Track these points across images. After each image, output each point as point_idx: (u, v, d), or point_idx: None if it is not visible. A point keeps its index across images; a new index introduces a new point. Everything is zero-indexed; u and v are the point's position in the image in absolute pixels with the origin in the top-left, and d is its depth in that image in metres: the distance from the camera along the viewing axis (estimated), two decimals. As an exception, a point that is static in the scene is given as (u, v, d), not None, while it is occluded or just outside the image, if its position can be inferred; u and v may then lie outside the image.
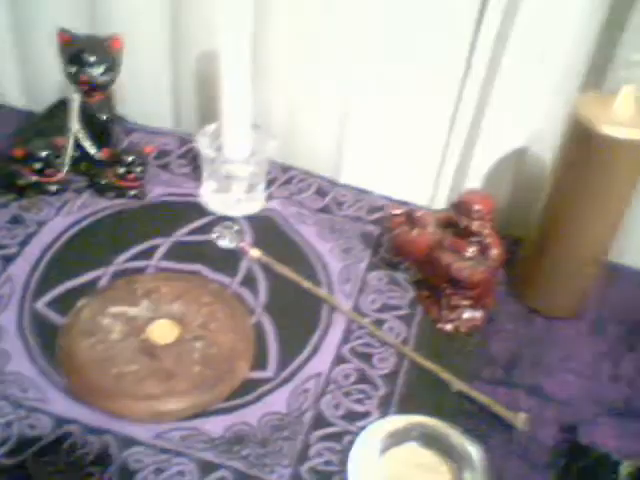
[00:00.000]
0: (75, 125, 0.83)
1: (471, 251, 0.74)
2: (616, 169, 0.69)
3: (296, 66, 0.89)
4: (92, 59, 0.79)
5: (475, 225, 0.73)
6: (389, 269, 0.83)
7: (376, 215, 0.90)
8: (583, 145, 0.70)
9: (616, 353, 0.78)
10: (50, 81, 0.96)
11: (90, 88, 0.81)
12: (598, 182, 0.71)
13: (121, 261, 0.79)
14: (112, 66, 0.81)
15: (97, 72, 0.80)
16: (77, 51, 0.80)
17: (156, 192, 0.89)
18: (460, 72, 0.84)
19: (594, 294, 0.81)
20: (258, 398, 0.68)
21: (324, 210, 0.90)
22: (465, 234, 0.74)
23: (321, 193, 0.93)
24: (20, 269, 0.77)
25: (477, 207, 0.72)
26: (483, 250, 0.74)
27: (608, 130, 0.67)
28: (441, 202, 0.93)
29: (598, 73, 0.78)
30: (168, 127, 0.99)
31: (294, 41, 0.88)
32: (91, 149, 0.84)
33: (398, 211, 0.79)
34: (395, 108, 0.89)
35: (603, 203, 0.72)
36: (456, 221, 0.74)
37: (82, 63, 0.79)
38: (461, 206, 0.74)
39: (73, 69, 0.80)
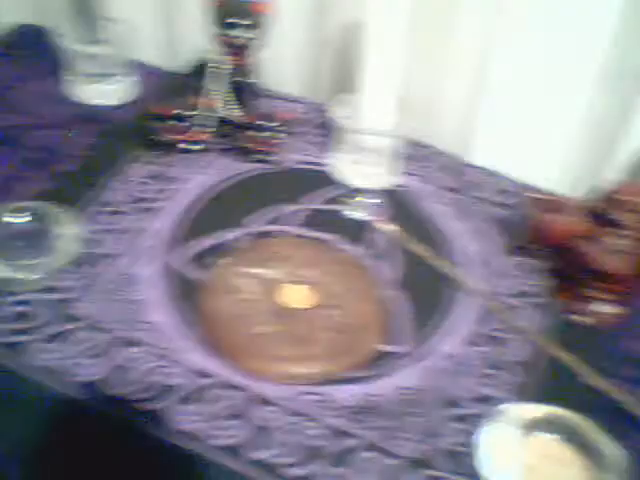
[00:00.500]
0: (218, 87, 0.84)
1: (618, 243, 0.71)
2: None
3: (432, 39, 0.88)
4: (241, 22, 0.79)
5: (626, 218, 0.70)
6: (524, 255, 0.81)
7: (509, 198, 0.88)
8: None
9: None
10: (189, 41, 0.98)
11: (236, 51, 0.82)
12: None
13: (255, 224, 0.80)
14: (260, 30, 0.81)
15: (245, 35, 0.80)
16: (227, 13, 0.80)
17: (290, 159, 0.89)
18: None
19: None
20: (390, 372, 0.68)
21: (456, 190, 0.88)
22: (613, 226, 0.71)
23: (453, 172, 0.91)
24: (162, 224, 0.78)
25: (630, 199, 0.70)
26: (631, 243, 0.71)
27: None
28: (575, 189, 0.90)
29: None
30: (302, 95, 0.99)
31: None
32: (232, 111, 0.85)
33: (540, 196, 0.77)
34: (532, 85, 0.86)
35: None
36: (603, 211, 0.72)
37: (231, 25, 0.80)
38: (612, 197, 0.71)
39: (222, 30, 0.80)
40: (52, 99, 0.92)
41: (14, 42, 1.02)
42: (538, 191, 0.81)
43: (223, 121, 0.86)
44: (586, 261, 0.72)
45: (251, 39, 0.81)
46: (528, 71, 0.85)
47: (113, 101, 0.93)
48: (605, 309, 0.75)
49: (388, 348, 0.70)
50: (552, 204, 0.76)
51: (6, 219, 0.72)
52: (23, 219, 0.73)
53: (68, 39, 0.91)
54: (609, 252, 0.71)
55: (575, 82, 0.84)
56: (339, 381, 0.66)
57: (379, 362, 0.68)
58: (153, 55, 1.02)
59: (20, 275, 0.69)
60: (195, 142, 0.86)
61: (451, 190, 0.88)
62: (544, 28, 0.81)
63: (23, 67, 0.97)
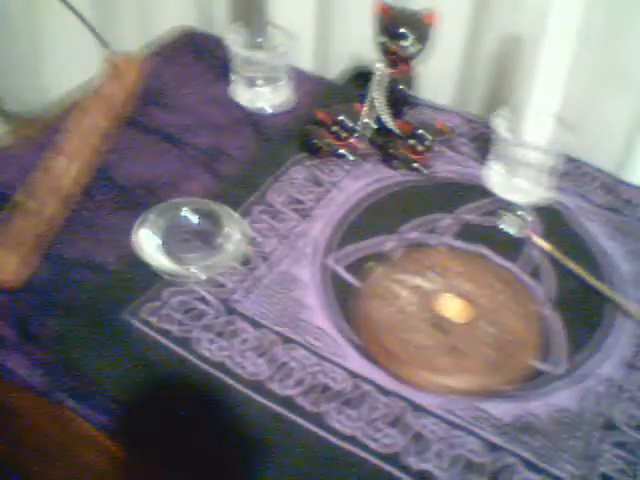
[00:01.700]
0: (375, 94, 0.86)
1: None
2: None
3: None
4: (405, 32, 0.81)
5: None
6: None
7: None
8: None
9: None
10: (346, 50, 1.00)
11: (400, 61, 0.83)
12: None
13: (406, 231, 0.81)
14: (422, 41, 0.82)
15: (407, 45, 0.81)
16: (392, 22, 0.81)
17: (441, 168, 0.89)
18: None
19: None
20: (546, 392, 0.67)
21: (610, 208, 0.87)
22: None
23: (607, 190, 0.89)
24: (318, 227, 0.81)
25: None
26: None
27: None
28: None
29: None
30: (457, 107, 0.99)
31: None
32: (387, 119, 0.86)
33: None
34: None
35: None
36: None
37: (395, 35, 0.81)
38: None
39: (385, 39, 0.82)
40: (216, 102, 0.97)
41: (178, 45, 1.07)
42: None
43: (381, 130, 0.87)
44: None
45: (415, 50, 0.82)
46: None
47: (273, 105, 0.97)
48: None
49: (544, 367, 0.69)
50: None
51: (180, 216, 0.77)
52: (196, 217, 0.77)
53: (232, 43, 0.95)
54: None
55: None
56: (494, 396, 0.67)
57: (534, 380, 0.68)
58: (311, 62, 1.05)
59: (190, 272, 0.73)
60: (354, 149, 0.88)
61: (607, 209, 0.86)
62: None
63: (187, 70, 1.02)
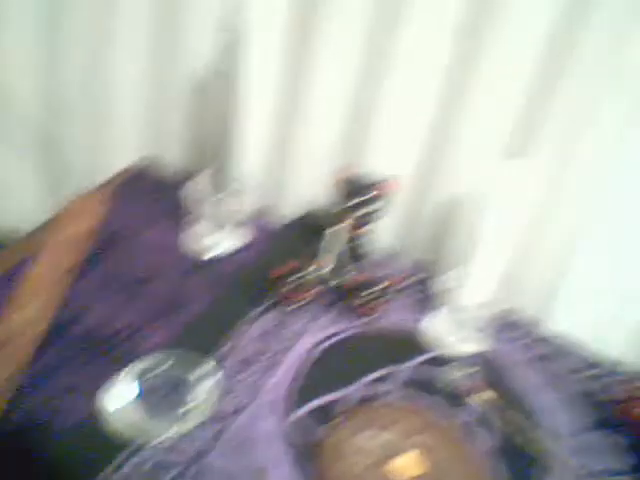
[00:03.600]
0: (333, 250, 0.92)
1: None
2: None
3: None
4: (365, 198, 0.89)
5: None
6: (609, 430, 0.86)
7: (590, 370, 0.95)
8: None
9: None
10: (298, 191, 1.07)
11: (357, 222, 0.91)
12: None
13: (361, 384, 0.86)
14: (380, 205, 0.90)
15: (366, 210, 0.89)
16: (353, 189, 0.89)
17: (392, 319, 0.96)
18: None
19: None
20: None
21: (542, 358, 0.95)
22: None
23: (538, 340, 0.98)
24: (277, 378, 0.85)
25: None
26: None
27: None
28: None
29: None
30: (406, 255, 1.08)
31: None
32: (344, 273, 0.93)
33: (629, 384, 0.84)
34: (611, 265, 0.94)
35: None
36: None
37: (355, 200, 0.89)
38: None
39: (346, 204, 0.90)
40: (174, 247, 1.01)
41: (134, 188, 1.11)
42: (628, 375, 0.88)
43: (336, 282, 0.94)
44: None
45: (371, 212, 0.90)
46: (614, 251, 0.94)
47: (232, 249, 1.02)
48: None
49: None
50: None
51: (147, 372, 0.79)
52: (163, 373, 0.80)
53: (189, 188, 1.00)
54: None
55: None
56: None
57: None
58: (269, 205, 1.11)
59: (159, 426, 0.75)
60: (309, 300, 0.94)
61: (540, 359, 0.95)
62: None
63: (143, 213, 1.06)
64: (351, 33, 0.94)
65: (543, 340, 0.98)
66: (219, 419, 0.79)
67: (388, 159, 0.99)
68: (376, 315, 0.95)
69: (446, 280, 0.93)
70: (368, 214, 0.90)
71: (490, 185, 0.86)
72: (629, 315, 0.97)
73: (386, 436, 0.79)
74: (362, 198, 0.89)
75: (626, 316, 0.97)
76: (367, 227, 0.92)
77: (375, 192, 0.90)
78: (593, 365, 0.96)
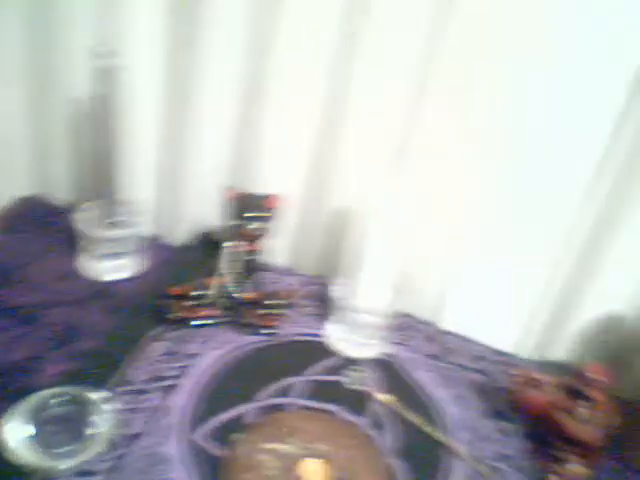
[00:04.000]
0: (228, 269, 0.94)
1: (586, 414, 0.83)
2: None
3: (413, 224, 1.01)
4: (255, 215, 0.90)
5: (593, 393, 0.82)
6: (502, 419, 0.91)
7: (479, 363, 1.00)
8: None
9: None
10: (194, 216, 1.08)
11: (250, 238, 0.92)
12: None
13: (263, 397, 0.88)
14: (270, 221, 0.92)
15: (257, 227, 0.91)
16: (241, 206, 0.91)
17: (289, 331, 0.98)
18: (558, 240, 0.96)
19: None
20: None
21: (434, 357, 1.00)
22: (581, 398, 0.83)
23: (430, 339, 1.02)
24: (181, 401, 0.85)
25: (597, 378, 0.82)
26: (597, 414, 0.83)
27: None
28: (527, 352, 1.04)
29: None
30: (304, 270, 1.10)
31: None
32: (239, 291, 0.94)
33: (519, 372, 0.89)
34: (496, 261, 1.00)
35: None
36: (574, 386, 0.84)
37: (246, 218, 0.91)
38: (582, 375, 0.83)
39: (236, 222, 0.91)
40: (66, 276, 0.99)
41: (23, 218, 1.09)
42: (513, 364, 0.93)
43: (233, 299, 0.95)
44: (561, 429, 0.84)
45: (263, 230, 0.92)
46: (495, 248, 0.99)
47: (125, 276, 1.01)
48: (577, 470, 0.85)
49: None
50: (530, 379, 0.88)
51: (44, 406, 0.78)
52: (60, 405, 0.78)
53: (80, 218, 0.99)
54: (581, 422, 0.83)
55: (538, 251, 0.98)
56: None
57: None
58: (159, 230, 1.11)
59: (54, 462, 0.74)
60: (207, 319, 0.94)
61: (433, 357, 0.99)
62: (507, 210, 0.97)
63: (34, 244, 1.04)
64: (233, 55, 0.96)
65: (437, 339, 1.03)
66: (120, 446, 0.78)
67: (277, 177, 1.01)
68: (276, 328, 0.96)
69: (341, 289, 0.96)
70: (260, 229, 0.92)
71: (375, 197, 0.90)
72: (517, 311, 1.03)
73: (289, 447, 0.81)
74: (253, 214, 0.90)
75: (514, 312, 1.03)
76: (261, 242, 0.94)
77: (265, 208, 0.92)
78: (484, 358, 1.01)
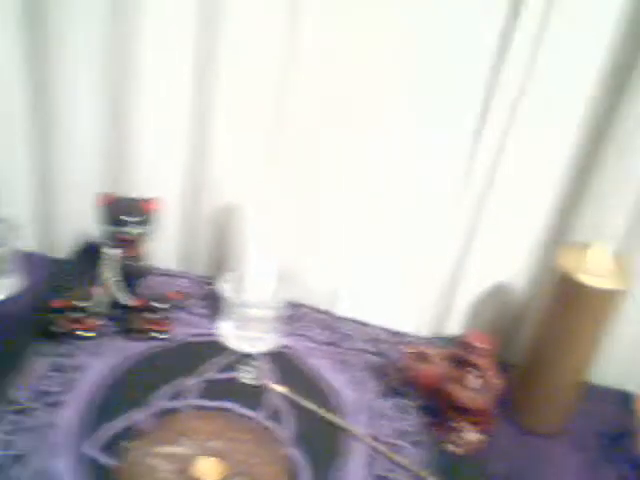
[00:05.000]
0: (110, 276, 0.92)
1: (474, 382, 0.85)
2: (594, 313, 0.83)
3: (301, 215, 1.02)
4: (131, 219, 0.89)
5: (478, 360, 0.84)
6: (398, 397, 0.93)
7: (377, 346, 1.01)
8: (565, 291, 0.84)
9: (598, 464, 0.89)
10: (67, 227, 1.05)
11: (127, 244, 0.90)
12: (579, 322, 0.84)
13: (157, 401, 0.86)
14: (148, 225, 0.90)
15: (134, 231, 0.89)
16: (116, 211, 0.89)
17: (179, 332, 0.97)
18: (446, 217, 0.98)
19: (576, 412, 0.93)
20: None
21: (331, 343, 1.00)
22: (469, 367, 0.85)
23: (327, 327, 1.03)
24: (66, 415, 0.83)
25: (480, 345, 0.84)
26: (485, 381, 0.85)
27: (588, 281, 0.81)
28: (427, 329, 1.06)
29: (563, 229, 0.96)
30: (189, 270, 1.09)
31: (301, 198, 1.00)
32: (124, 298, 0.92)
33: (411, 349, 0.91)
34: (387, 244, 1.02)
35: (581, 339, 0.85)
36: (460, 356, 0.86)
37: (122, 223, 0.89)
38: (466, 344, 0.85)
39: (113, 228, 0.89)
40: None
41: None
42: (409, 344, 0.95)
43: (117, 306, 0.93)
44: (451, 399, 0.86)
45: (139, 233, 0.90)
46: (382, 238, 1.01)
47: (4, 294, 0.97)
48: (472, 438, 0.87)
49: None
50: (420, 354, 0.89)
51: None
52: None
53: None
54: (469, 390, 0.85)
55: (421, 241, 1.01)
56: None
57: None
58: (37, 244, 1.07)
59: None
60: (92, 329, 0.92)
61: (327, 344, 1.00)
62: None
63: None
64: (95, 55, 0.94)
65: (333, 326, 1.03)
66: (6, 468, 0.75)
67: (155, 179, 1.00)
68: (167, 332, 0.95)
69: (229, 286, 0.95)
70: (138, 234, 0.90)
71: (254, 194, 0.90)
72: (411, 291, 1.05)
73: (182, 448, 0.80)
74: (129, 219, 0.89)
75: (409, 293, 1.05)
76: (141, 247, 0.92)
77: (141, 211, 0.90)
78: (381, 340, 1.02)
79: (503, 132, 0.90)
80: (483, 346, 0.84)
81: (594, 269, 0.82)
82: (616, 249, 0.92)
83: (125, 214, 0.89)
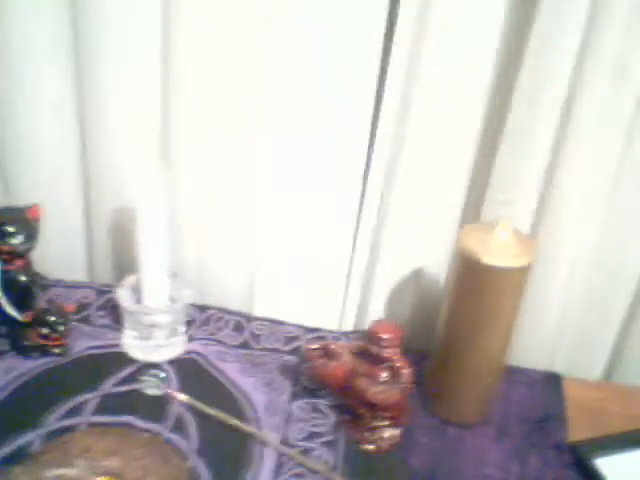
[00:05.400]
0: (-3, 292, 0.86)
1: (384, 375, 0.81)
2: (498, 292, 0.80)
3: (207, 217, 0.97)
4: (11, 230, 0.83)
5: (385, 352, 0.81)
6: (310, 397, 0.89)
7: (292, 345, 0.97)
8: (469, 272, 0.80)
9: (522, 452, 0.86)
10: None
11: (10, 256, 0.85)
12: (485, 303, 0.80)
13: (52, 421, 0.81)
14: (31, 234, 0.85)
15: (17, 242, 0.84)
16: (-1, 223, 0.84)
17: (80, 346, 0.92)
18: (356, 204, 0.95)
19: (497, 398, 0.90)
20: None
21: (243, 345, 0.96)
22: (377, 360, 0.81)
23: (238, 329, 0.98)
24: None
25: (386, 336, 0.80)
26: (394, 373, 0.81)
27: (488, 260, 0.77)
28: (350, 323, 1.02)
29: (475, 209, 0.92)
30: (84, 279, 1.03)
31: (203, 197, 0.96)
32: (13, 313, 0.87)
33: (314, 345, 0.86)
34: (299, 239, 0.97)
35: (492, 321, 0.82)
36: (368, 349, 0.82)
37: (1, 234, 0.83)
38: (372, 336, 0.81)
39: (-4, 241, 0.84)
40: None
41: None
42: (313, 341, 0.91)
43: (10, 323, 0.88)
44: (362, 396, 0.82)
45: (21, 243, 0.84)
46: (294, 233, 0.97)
47: None
48: (386, 434, 0.84)
49: (197, 521, 0.73)
50: (326, 350, 0.85)
51: None
52: None
53: None
54: (378, 384, 0.81)
55: (333, 234, 0.97)
56: None
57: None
58: None
59: None
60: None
61: (237, 346, 0.95)
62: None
63: None
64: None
65: (246, 328, 0.99)
66: None
67: (43, 186, 0.95)
68: (64, 346, 0.90)
69: (125, 294, 0.91)
70: (23, 244, 0.85)
71: (142, 193, 0.85)
72: (329, 287, 1.01)
73: (76, 470, 0.75)
74: (11, 229, 0.83)
75: (326, 288, 1.01)
76: (29, 258, 0.87)
77: (25, 220, 0.85)
78: (298, 338, 0.98)
79: (403, 109, 0.87)
80: (388, 336, 0.80)
81: (496, 248, 0.79)
82: (526, 226, 0.90)
83: (7, 225, 0.83)
